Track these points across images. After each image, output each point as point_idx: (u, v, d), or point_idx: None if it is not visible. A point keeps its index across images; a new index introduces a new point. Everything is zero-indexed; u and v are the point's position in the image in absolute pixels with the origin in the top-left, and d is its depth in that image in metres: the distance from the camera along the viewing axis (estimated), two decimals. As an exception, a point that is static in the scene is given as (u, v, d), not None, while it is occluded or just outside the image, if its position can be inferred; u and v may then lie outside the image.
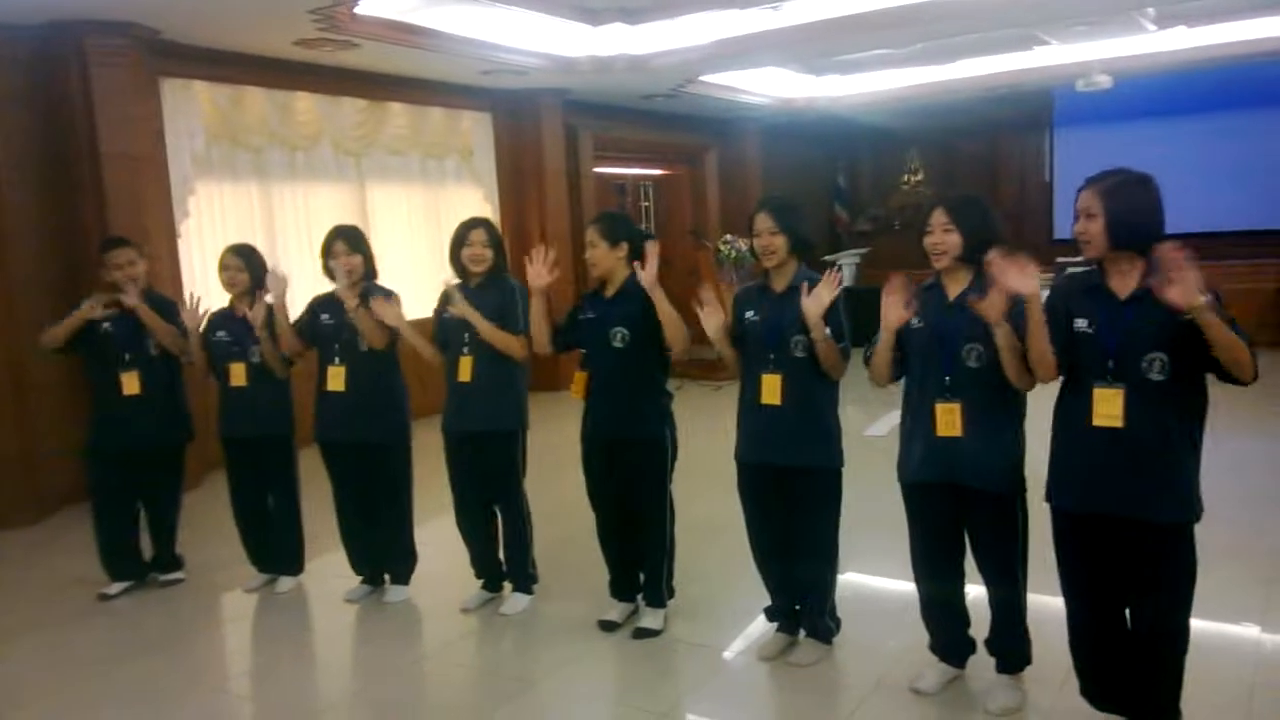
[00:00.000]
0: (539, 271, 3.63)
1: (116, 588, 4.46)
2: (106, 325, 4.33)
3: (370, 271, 4.12)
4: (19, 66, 5.80)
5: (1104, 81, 9.16)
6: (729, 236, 10.12)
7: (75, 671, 3.71)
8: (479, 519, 4.08)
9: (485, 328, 3.79)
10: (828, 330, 3.14)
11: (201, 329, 4.34)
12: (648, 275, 3.44)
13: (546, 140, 9.38)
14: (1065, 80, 9.99)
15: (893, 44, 8.51)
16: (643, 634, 3.73)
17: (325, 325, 4.11)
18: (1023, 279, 2.61)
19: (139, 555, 4.56)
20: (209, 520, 5.19)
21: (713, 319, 3.34)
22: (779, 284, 3.34)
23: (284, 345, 4.17)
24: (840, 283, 3.18)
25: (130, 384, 4.32)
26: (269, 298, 4.16)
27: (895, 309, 2.97)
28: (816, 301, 3.12)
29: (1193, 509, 2.58)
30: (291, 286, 4.16)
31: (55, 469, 5.80)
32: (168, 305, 4.48)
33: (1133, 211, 2.55)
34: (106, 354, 4.33)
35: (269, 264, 4.38)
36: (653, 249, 3.46)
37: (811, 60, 9.58)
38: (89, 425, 4.46)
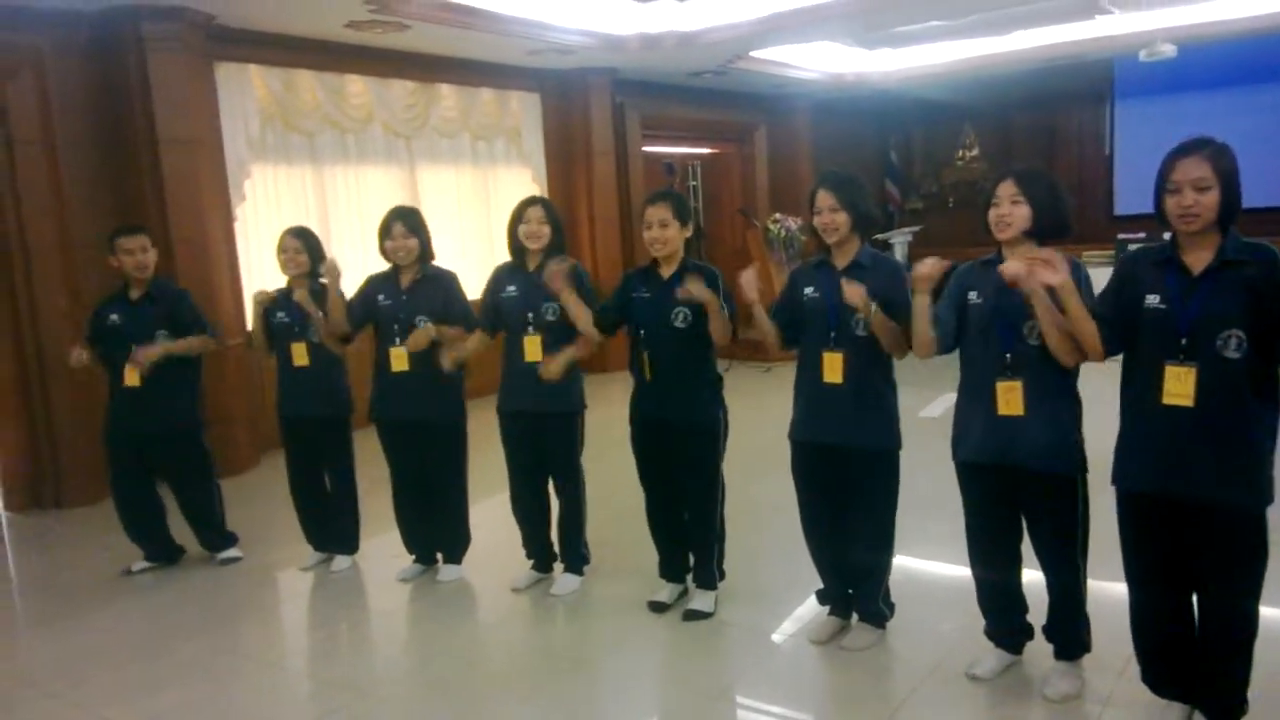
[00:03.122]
0: (554, 273, 3.65)
1: (140, 565, 4.57)
2: (115, 317, 4.40)
3: (427, 254, 4.14)
4: (77, 53, 5.90)
5: (1168, 51, 8.85)
6: (778, 215, 10.03)
7: (134, 648, 3.80)
8: (534, 500, 4.10)
9: (584, 319, 3.76)
10: (874, 305, 3.08)
11: (262, 310, 4.41)
12: (699, 290, 3.39)
13: (594, 119, 9.37)
14: (1128, 50, 9.68)
15: (948, 14, 8.33)
16: (693, 616, 3.72)
17: (384, 306, 4.11)
18: (1049, 273, 2.59)
19: (166, 537, 4.64)
20: (266, 499, 5.28)
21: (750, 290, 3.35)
22: (840, 261, 3.28)
23: (333, 325, 4.18)
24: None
25: (131, 376, 4.36)
26: (323, 280, 4.19)
27: (927, 265, 2.94)
28: (855, 295, 3.08)
29: (1266, 493, 2.50)
30: (343, 275, 4.14)
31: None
32: (177, 295, 4.53)
33: (1237, 180, 2.44)
34: (116, 345, 4.39)
35: (326, 251, 4.42)
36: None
37: (863, 34, 9.41)
38: (105, 414, 4.54)
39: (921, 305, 2.98)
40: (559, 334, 3.85)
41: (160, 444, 4.49)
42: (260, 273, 6.79)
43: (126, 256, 4.39)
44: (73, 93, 5.89)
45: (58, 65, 5.78)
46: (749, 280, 3.40)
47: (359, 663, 3.71)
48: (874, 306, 3.08)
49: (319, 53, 7.20)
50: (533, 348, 3.87)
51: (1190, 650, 2.68)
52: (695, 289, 3.36)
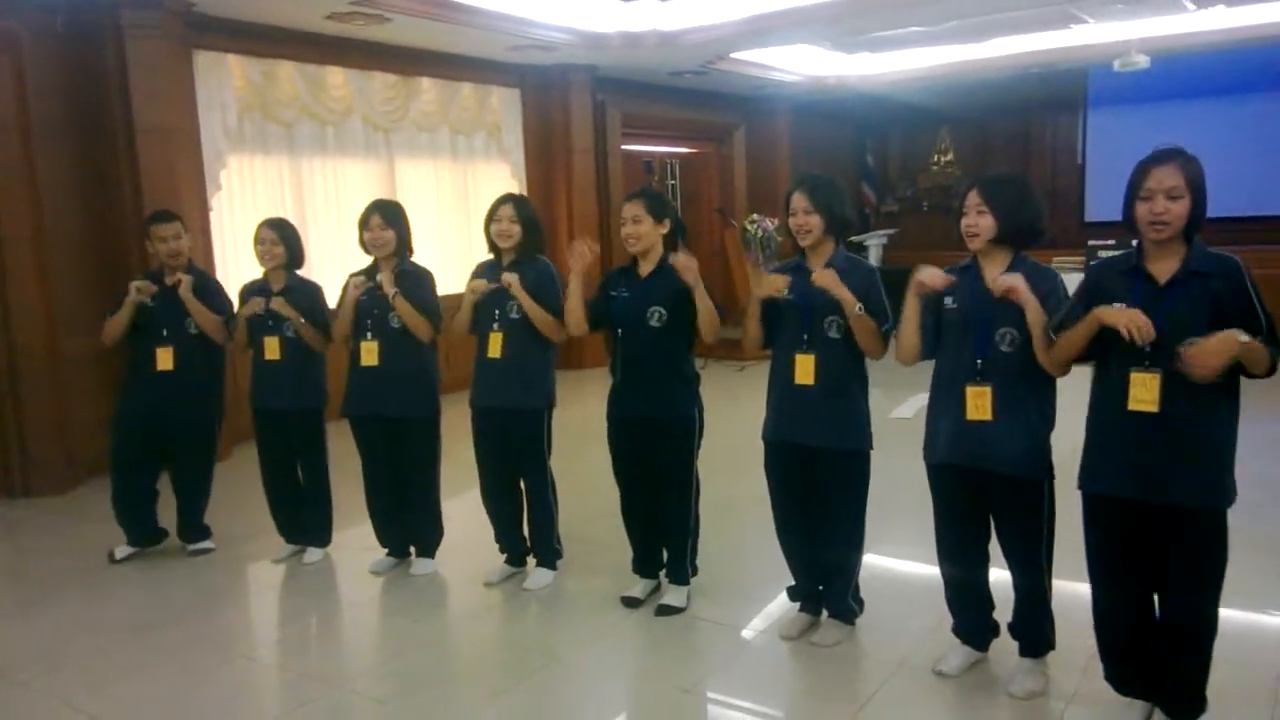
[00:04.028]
0: (581, 252, 3.63)
1: (123, 552, 4.55)
2: (150, 300, 4.40)
3: (405, 248, 4.14)
4: (54, 39, 5.85)
5: (1141, 61, 9.00)
6: (756, 216, 10.08)
7: (105, 639, 3.78)
8: (505, 495, 4.11)
9: (536, 311, 3.82)
10: (859, 307, 3.14)
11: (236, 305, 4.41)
12: (690, 272, 3.43)
13: (575, 117, 9.38)
14: (1102, 60, 9.83)
15: (927, 21, 8.41)
16: (665, 611, 3.75)
17: (360, 300, 4.12)
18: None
19: (153, 526, 4.63)
20: (238, 491, 5.25)
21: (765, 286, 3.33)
22: (815, 264, 3.32)
23: (339, 335, 4.25)
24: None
25: (164, 360, 4.38)
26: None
27: (927, 272, 2.95)
28: (827, 278, 3.12)
29: (1226, 495, 2.56)
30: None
31: (87, 438, 5.89)
32: (208, 279, 4.55)
33: (1205, 192, 2.50)
34: (147, 328, 4.40)
35: (302, 242, 4.45)
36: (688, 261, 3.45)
37: (843, 38, 9.48)
38: (120, 393, 4.54)
39: (913, 310, 3.02)
40: (520, 332, 3.88)
41: (183, 431, 4.49)
42: (236, 263, 6.76)
43: (161, 244, 4.40)
44: (49, 79, 5.84)
45: (35, 51, 5.71)
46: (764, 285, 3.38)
47: (331, 655, 3.71)
48: (859, 307, 3.13)
49: (299, 44, 7.17)
50: (494, 345, 3.90)
51: (1152, 649, 2.73)
52: (685, 268, 3.40)
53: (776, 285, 3.27)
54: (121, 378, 4.67)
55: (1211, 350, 2.34)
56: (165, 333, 4.38)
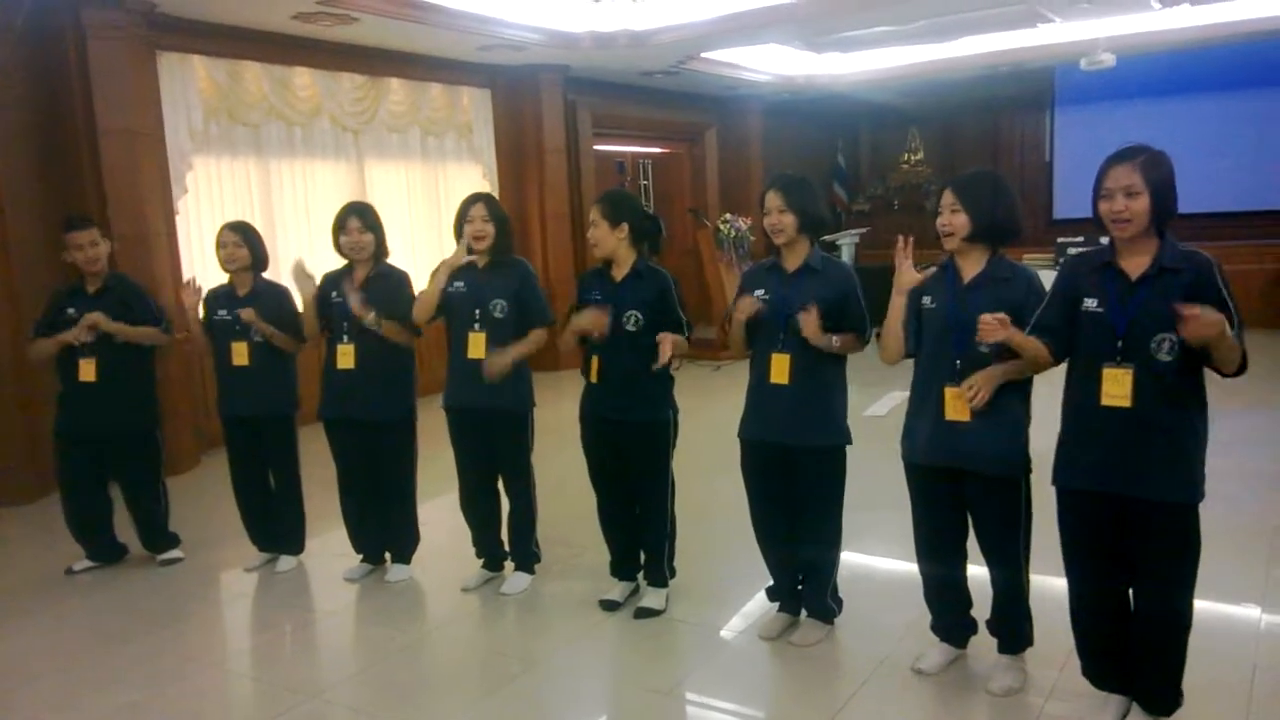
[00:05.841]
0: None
1: (81, 565, 4.49)
2: (71, 310, 4.29)
3: (381, 251, 4.09)
4: (13, 40, 5.72)
5: (1107, 60, 9.10)
6: (729, 215, 10.09)
7: (75, 649, 3.71)
8: (483, 499, 4.07)
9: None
10: (835, 340, 3.19)
11: (201, 310, 4.32)
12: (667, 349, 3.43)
13: (546, 117, 9.34)
14: (1068, 59, 9.93)
15: (895, 20, 8.45)
16: (644, 613, 3.74)
17: (335, 303, 4.06)
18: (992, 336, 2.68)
19: (110, 537, 4.55)
20: (209, 499, 5.19)
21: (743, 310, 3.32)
22: (790, 263, 3.32)
23: (307, 328, 4.20)
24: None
25: (86, 371, 4.27)
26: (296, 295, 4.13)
27: (908, 272, 2.97)
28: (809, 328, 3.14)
29: (1198, 489, 2.58)
30: (313, 278, 4.13)
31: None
32: (130, 286, 4.43)
33: (1170, 187, 2.52)
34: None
35: (267, 246, 4.39)
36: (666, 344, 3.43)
37: (813, 37, 9.52)
38: (56, 408, 4.42)
39: (898, 308, 3.03)
40: (505, 332, 3.83)
41: (116, 442, 4.39)
42: (202, 267, 6.65)
43: (77, 251, 4.29)
44: (10, 81, 5.71)
45: (-8, 52, 5.61)
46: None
47: (305, 664, 3.66)
48: (835, 340, 3.17)
49: (265, 44, 7.08)
50: (476, 345, 3.84)
51: (1128, 644, 2.75)
52: (665, 350, 3.41)
53: (748, 310, 3.27)
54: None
55: (1212, 320, 2.33)
56: (85, 343, 4.25)
